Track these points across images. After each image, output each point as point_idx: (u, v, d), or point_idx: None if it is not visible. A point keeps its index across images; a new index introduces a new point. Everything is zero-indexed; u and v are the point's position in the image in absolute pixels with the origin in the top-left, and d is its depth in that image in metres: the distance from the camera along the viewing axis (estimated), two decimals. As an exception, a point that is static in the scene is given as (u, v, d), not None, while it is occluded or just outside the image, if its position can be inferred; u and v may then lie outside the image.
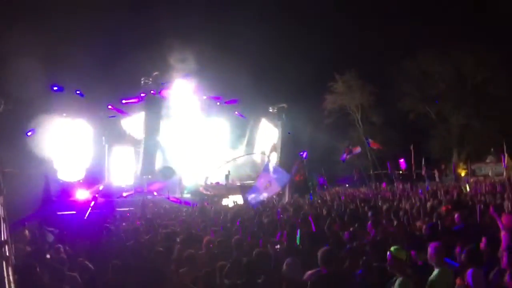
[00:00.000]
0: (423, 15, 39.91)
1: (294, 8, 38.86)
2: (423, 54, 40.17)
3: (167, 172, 31.41)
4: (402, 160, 30.50)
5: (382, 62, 40.12)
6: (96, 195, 21.88)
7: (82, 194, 21.82)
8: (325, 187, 30.25)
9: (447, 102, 41.73)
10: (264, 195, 15.08)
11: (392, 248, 5.89)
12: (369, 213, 11.48)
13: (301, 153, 31.06)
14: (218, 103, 37.33)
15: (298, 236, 8.88)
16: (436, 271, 5.75)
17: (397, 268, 5.70)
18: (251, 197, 15.34)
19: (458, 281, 5.47)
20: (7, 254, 5.85)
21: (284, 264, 6.59)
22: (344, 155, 30.75)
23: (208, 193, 30.86)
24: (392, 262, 5.75)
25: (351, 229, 9.11)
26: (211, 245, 9.02)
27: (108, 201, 22.88)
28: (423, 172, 27.58)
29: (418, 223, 9.42)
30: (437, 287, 5.63)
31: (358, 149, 29.14)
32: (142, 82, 32.40)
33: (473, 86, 41.14)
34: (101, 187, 24.37)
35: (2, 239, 5.98)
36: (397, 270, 5.69)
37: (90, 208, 16.96)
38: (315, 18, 39.81)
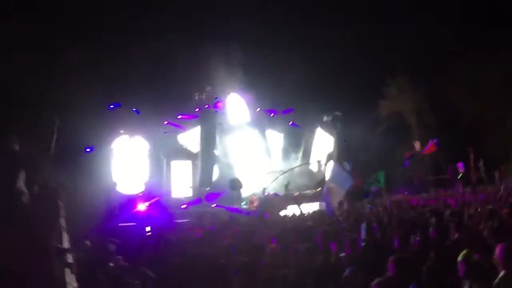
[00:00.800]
0: (474, 16, 38.73)
1: (342, 15, 38.50)
2: (477, 56, 38.99)
3: (236, 184, 31.63)
4: (460, 163, 29.73)
5: (435, 64, 39.25)
6: (154, 206, 22.30)
7: (142, 207, 22.19)
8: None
9: (503, 103, 40.35)
10: (333, 202, 14.94)
11: (463, 253, 5.76)
12: (433, 219, 11.24)
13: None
14: (272, 115, 37.47)
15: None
16: (502, 273, 5.55)
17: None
18: (323, 204, 15.28)
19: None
20: (69, 261, 6.05)
21: (345, 272, 6.52)
22: (406, 161, 30.33)
23: (267, 204, 30.86)
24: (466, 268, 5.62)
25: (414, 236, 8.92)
26: (276, 251, 9.02)
27: (167, 212, 23.19)
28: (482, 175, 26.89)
29: (481, 227, 9.14)
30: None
31: (417, 146, 28.52)
32: (196, 97, 32.98)
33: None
34: (159, 199, 24.73)
35: (65, 247, 6.19)
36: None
37: (147, 224, 17.29)
38: (365, 24, 39.27)
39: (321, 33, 37.41)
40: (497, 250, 5.69)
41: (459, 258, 5.73)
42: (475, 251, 6.47)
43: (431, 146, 29.96)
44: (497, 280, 5.48)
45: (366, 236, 10.23)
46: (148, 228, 16.83)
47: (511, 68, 39.19)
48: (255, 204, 29.45)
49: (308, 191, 34.42)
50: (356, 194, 26.58)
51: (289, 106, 36.37)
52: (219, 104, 33.61)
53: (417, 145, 28.19)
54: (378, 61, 38.67)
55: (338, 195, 14.50)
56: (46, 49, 20.96)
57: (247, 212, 25.47)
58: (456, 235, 8.65)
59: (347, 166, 31.37)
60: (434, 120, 42.83)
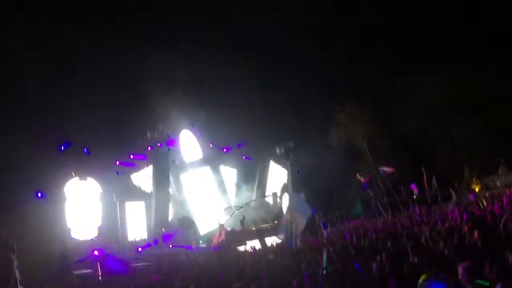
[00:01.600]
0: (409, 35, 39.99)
1: (289, 44, 39.13)
2: (417, 71, 39.83)
3: (186, 222, 31.26)
4: (413, 185, 30.20)
5: (379, 86, 40.19)
6: (108, 253, 21.81)
7: (96, 252, 21.65)
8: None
9: (448, 116, 41.33)
10: (294, 233, 14.86)
11: (422, 277, 5.75)
12: (389, 243, 11.27)
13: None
14: (225, 150, 37.49)
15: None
16: (468, 291, 5.56)
17: None
18: (281, 237, 15.15)
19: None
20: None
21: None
22: (365, 185, 30.62)
23: (224, 240, 30.57)
24: None
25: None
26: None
27: (122, 258, 22.72)
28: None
29: (441, 245, 9.18)
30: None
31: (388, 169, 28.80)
32: (148, 135, 32.66)
33: (470, 98, 40.65)
34: (113, 244, 24.28)
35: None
36: None
37: (100, 268, 16.83)
38: (311, 53, 40.05)
39: (268, 65, 37.88)
40: (460, 270, 5.71)
41: (419, 282, 5.73)
42: (438, 271, 6.50)
43: (386, 171, 30.38)
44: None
45: (327, 264, 10.18)
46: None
47: (455, 83, 40.29)
48: (223, 237, 29.17)
49: (265, 225, 34.29)
50: (313, 225, 26.59)
51: (241, 141, 36.52)
52: (171, 142, 33.37)
53: (387, 170, 28.53)
54: (325, 89, 39.35)
55: (301, 224, 14.45)
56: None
57: (205, 248, 25.28)
58: (415, 259, 8.69)
59: (302, 196, 31.71)
60: (385, 144, 43.60)
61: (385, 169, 28.35)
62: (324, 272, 9.25)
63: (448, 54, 38.05)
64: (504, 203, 15.56)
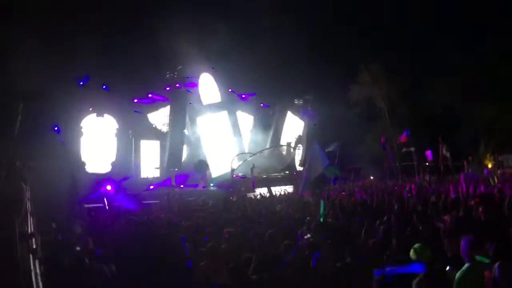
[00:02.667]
0: (448, 9, 39.09)
1: (316, 2, 38.34)
2: (449, 46, 39.40)
3: (201, 166, 31.58)
4: (429, 151, 30.14)
5: (409, 54, 39.51)
6: (121, 187, 22.19)
7: (109, 187, 22.01)
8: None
9: (473, 95, 41.03)
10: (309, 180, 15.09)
11: (415, 246, 5.87)
12: (395, 206, 11.41)
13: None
14: (244, 96, 37.46)
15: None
16: (466, 266, 5.64)
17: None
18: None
19: (486, 273, 5.35)
20: (34, 246, 5.95)
21: (313, 258, 6.55)
22: (384, 145, 30.72)
23: (233, 186, 30.94)
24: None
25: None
26: (226, 235, 9.05)
27: (134, 194, 23.09)
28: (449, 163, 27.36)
29: (445, 217, 9.25)
30: (467, 281, 5.53)
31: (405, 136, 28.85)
32: (167, 76, 32.62)
33: (499, 79, 40.27)
34: (127, 180, 24.59)
35: (29, 232, 6.08)
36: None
37: (106, 200, 17.11)
38: (341, 9, 39.25)
39: (294, 16, 37.24)
40: (462, 243, 5.79)
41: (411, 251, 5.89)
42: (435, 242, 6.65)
43: (404, 137, 30.36)
44: (460, 272, 5.58)
45: (326, 215, 10.40)
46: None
47: (482, 62, 39.77)
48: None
49: (276, 174, 34.56)
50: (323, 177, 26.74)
51: (261, 89, 36.46)
52: (191, 84, 33.33)
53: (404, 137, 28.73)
54: (353, 47, 38.77)
55: (316, 172, 14.64)
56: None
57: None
58: (419, 224, 8.83)
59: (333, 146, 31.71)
60: (405, 108, 43.29)
61: (402, 138, 28.39)
62: (322, 220, 9.47)
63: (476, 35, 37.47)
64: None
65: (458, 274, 5.59)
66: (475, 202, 9.87)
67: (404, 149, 29.69)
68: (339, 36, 38.51)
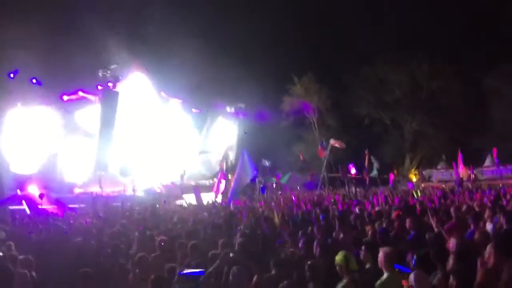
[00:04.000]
0: (382, 23, 40.41)
1: (256, 8, 38.73)
2: (380, 61, 40.80)
3: (127, 170, 31.02)
4: (351, 165, 30.94)
5: (340, 67, 40.54)
6: (45, 192, 21.42)
7: (34, 189, 21.26)
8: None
9: (401, 108, 42.63)
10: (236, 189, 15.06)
11: (338, 254, 5.99)
12: (321, 217, 11.58)
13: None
14: (181, 101, 37.20)
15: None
16: (385, 276, 5.79)
17: (340, 272, 5.85)
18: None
19: (404, 282, 5.49)
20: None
21: (230, 273, 6.51)
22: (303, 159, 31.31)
23: (162, 192, 30.59)
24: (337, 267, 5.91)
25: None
26: (162, 244, 8.91)
27: (59, 197, 22.45)
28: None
29: (368, 228, 9.47)
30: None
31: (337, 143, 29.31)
32: (100, 74, 31.74)
33: (427, 95, 42.04)
34: (51, 183, 23.86)
35: None
36: (340, 274, 5.84)
37: (26, 203, 16.54)
38: (277, 20, 39.79)
39: (230, 24, 37.45)
40: (380, 253, 5.93)
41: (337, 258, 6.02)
42: (357, 252, 6.81)
43: (321, 150, 31.03)
44: (379, 281, 5.72)
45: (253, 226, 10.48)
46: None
47: (412, 76, 41.39)
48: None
49: (204, 181, 34.45)
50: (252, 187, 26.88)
51: (194, 94, 36.34)
52: (122, 85, 32.61)
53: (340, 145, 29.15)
54: (286, 59, 39.35)
55: (244, 181, 14.66)
56: None
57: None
58: (341, 235, 9.02)
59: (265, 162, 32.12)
60: (334, 121, 44.37)
61: (335, 143, 28.91)
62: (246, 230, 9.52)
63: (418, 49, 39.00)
64: (436, 198, 16.13)
65: (377, 284, 5.74)
66: (396, 214, 10.18)
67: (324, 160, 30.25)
68: (274, 47, 39.01)
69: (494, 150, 30.98)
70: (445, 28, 38.96)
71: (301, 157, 35.64)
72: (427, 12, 40.58)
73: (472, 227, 8.28)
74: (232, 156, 39.50)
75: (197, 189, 25.74)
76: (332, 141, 29.23)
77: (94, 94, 31.73)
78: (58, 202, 21.12)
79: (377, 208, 12.92)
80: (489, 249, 5.29)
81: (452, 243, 6.05)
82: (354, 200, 17.80)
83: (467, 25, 37.58)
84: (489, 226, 8.71)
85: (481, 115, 37.23)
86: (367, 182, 28.56)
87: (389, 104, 42.70)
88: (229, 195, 15.03)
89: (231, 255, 7.43)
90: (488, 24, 36.82)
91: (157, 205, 21.52)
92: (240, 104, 40.41)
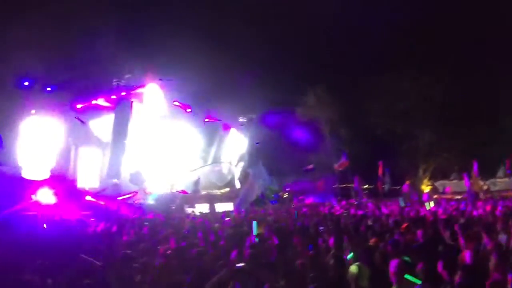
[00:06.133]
0: (396, 36, 40.37)
1: (267, 21, 38.87)
2: (393, 71, 40.69)
3: (138, 177, 31.10)
4: (356, 177, 30.64)
5: (353, 77, 40.51)
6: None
7: (45, 194, 21.30)
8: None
9: (415, 120, 42.45)
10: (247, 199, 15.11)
11: (352, 266, 6.00)
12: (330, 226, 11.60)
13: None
14: (189, 110, 37.33)
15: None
16: (394, 287, 5.80)
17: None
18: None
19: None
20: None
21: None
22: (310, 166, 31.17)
23: (177, 197, 30.64)
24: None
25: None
26: (168, 252, 8.94)
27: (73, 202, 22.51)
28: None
29: (372, 240, 9.35)
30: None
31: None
32: (114, 83, 32.02)
33: (440, 107, 41.85)
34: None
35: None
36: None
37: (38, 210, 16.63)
38: (289, 32, 39.90)
39: (244, 36, 37.55)
40: (391, 265, 5.93)
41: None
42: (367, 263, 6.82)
43: (343, 162, 31.03)
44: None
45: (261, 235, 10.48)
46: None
47: (425, 89, 41.29)
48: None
49: (216, 191, 34.48)
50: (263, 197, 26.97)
51: (206, 104, 36.46)
52: (136, 95, 32.85)
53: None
54: (299, 70, 39.39)
55: (256, 192, 14.74)
56: None
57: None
58: (349, 246, 9.00)
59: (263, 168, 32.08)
60: (347, 131, 44.23)
61: (339, 167, 28.95)
62: (256, 240, 9.51)
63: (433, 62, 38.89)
64: (449, 210, 16.07)
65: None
66: (406, 226, 10.17)
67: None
68: (287, 57, 39.06)
69: (507, 161, 30.86)
70: (456, 39, 38.94)
71: (311, 167, 35.57)
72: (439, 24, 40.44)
73: (485, 239, 8.25)
74: (242, 166, 39.53)
75: (211, 199, 25.83)
76: (336, 166, 29.32)
77: (108, 103, 32.00)
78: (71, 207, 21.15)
79: (390, 220, 12.89)
80: (494, 260, 5.28)
81: (467, 255, 6.06)
82: (368, 211, 17.79)
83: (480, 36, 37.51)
84: (502, 238, 8.68)
85: (493, 126, 37.09)
86: (380, 193, 28.48)
87: (401, 115, 42.54)
88: (238, 204, 15.06)
89: (237, 265, 7.39)
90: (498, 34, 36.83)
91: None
92: (252, 114, 40.47)
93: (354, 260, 6.55)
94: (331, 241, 9.22)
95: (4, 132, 26.26)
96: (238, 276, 6.70)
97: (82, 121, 30.75)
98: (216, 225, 15.33)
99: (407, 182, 34.27)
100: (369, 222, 12.84)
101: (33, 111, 28.93)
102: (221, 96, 35.75)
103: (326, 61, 41.07)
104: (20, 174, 27.04)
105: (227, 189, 35.72)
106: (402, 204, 19.72)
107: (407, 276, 5.78)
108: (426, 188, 39.10)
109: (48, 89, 28.89)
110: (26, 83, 28.01)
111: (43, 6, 27.11)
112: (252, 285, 6.46)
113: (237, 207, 15.58)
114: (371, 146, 38.81)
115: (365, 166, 33.08)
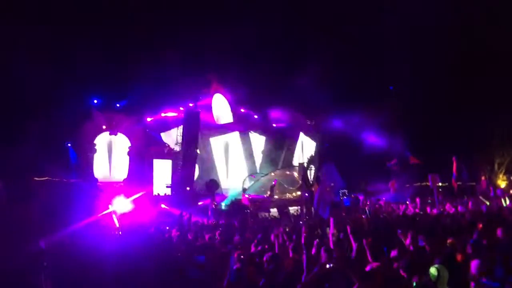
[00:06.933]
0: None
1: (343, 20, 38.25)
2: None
3: (213, 185, 31.57)
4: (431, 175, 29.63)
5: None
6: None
7: (121, 203, 21.93)
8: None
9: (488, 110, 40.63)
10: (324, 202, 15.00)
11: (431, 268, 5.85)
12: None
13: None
14: (256, 116, 37.66)
15: None
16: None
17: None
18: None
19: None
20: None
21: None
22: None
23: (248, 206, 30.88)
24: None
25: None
26: (242, 257, 9.00)
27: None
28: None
29: (449, 240, 9.07)
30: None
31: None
32: (181, 95, 32.79)
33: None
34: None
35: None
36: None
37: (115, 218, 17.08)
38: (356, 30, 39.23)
39: (313, 38, 37.26)
40: (472, 265, 5.76)
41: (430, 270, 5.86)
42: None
43: (413, 159, 30.35)
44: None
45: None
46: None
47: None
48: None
49: (288, 195, 34.51)
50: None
51: (273, 109, 36.65)
52: (203, 105, 33.54)
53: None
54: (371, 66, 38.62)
55: (331, 194, 14.64)
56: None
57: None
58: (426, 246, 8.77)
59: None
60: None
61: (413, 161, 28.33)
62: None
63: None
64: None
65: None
66: (485, 224, 9.83)
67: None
68: (353, 60, 38.43)
69: None
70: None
71: (395, 161, 34.63)
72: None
73: None
74: (313, 169, 39.42)
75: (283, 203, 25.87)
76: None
77: (176, 114, 32.89)
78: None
79: (466, 218, 12.51)
80: None
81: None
82: (444, 211, 17.34)
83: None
84: None
85: None
86: (455, 190, 27.60)
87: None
88: (320, 208, 14.93)
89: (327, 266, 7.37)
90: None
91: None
92: (320, 116, 40.22)
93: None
94: (407, 241, 9.06)
95: (80, 147, 27.52)
96: (329, 276, 6.71)
97: (153, 134, 31.77)
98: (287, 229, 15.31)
99: (483, 178, 32.96)
100: (445, 221, 12.50)
101: (104, 127, 30.27)
102: (287, 100, 35.73)
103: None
104: (96, 185, 28.24)
105: (299, 193, 35.67)
106: (487, 203, 18.94)
107: (485, 282, 5.60)
108: (502, 183, 37.54)
109: (117, 105, 30.08)
110: (96, 101, 29.39)
111: (108, 25, 28.12)
112: (343, 285, 6.43)
113: (322, 213, 15.46)
114: (447, 142, 37.46)
115: (438, 163, 32.03)
